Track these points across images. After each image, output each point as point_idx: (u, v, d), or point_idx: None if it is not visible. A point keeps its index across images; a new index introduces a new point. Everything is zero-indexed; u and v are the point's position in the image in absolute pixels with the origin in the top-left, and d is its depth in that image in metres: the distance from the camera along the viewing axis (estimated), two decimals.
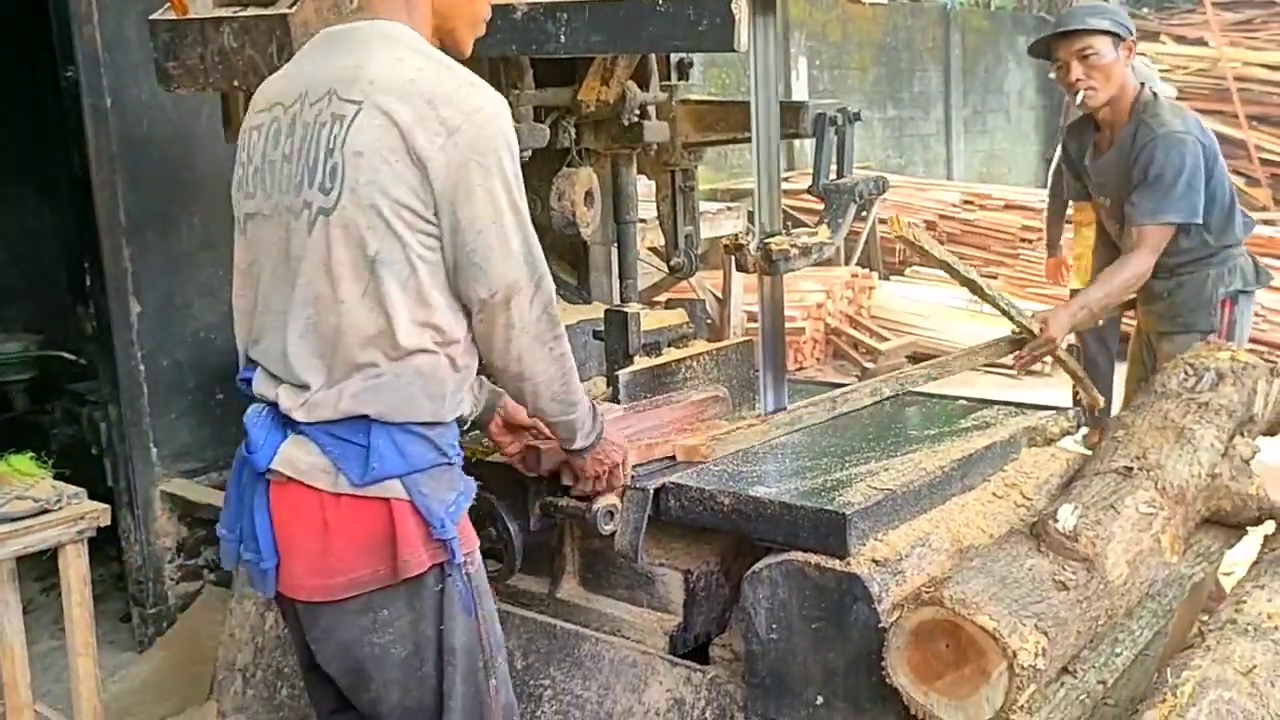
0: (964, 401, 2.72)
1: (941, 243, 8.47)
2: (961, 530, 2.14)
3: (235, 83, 2.43)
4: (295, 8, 2.38)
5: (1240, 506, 2.34)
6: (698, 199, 2.87)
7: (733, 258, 2.40)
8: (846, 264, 8.02)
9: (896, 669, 1.81)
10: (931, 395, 2.78)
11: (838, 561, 1.97)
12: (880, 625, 1.89)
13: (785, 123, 2.46)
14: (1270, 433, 2.66)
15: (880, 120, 10.66)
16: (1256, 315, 7.06)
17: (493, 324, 1.68)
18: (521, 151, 2.53)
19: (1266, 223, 9.73)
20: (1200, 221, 3.05)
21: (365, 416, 1.65)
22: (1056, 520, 1.98)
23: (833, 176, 2.49)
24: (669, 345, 2.50)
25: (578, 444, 1.93)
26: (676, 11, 2.12)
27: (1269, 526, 2.41)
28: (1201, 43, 11.37)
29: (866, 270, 7.78)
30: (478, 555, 1.80)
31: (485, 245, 1.63)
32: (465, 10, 1.81)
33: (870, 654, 1.90)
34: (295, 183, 1.66)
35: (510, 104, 2.48)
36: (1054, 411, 2.56)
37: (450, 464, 1.73)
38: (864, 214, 8.46)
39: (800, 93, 9.61)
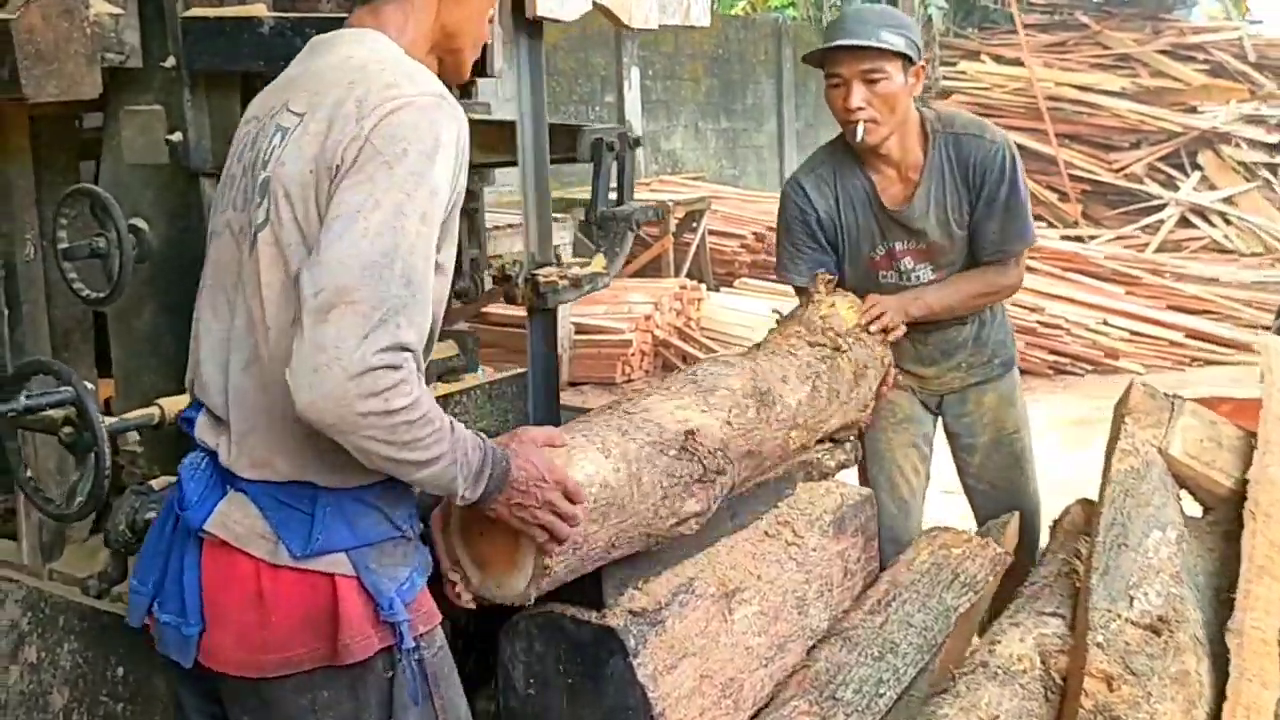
0: None
1: (756, 254, 8.62)
2: (728, 573, 2.09)
3: None
4: (19, 13, 2.19)
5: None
6: (482, 220, 2.76)
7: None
8: (676, 276, 8.05)
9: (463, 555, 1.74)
10: None
11: (594, 613, 1.89)
12: (638, 680, 1.82)
13: (563, 147, 2.37)
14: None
15: (714, 131, 10.78)
16: (1058, 328, 7.43)
17: (299, 339, 1.35)
18: None
19: (1075, 238, 10.22)
20: None
21: (311, 484, 1.48)
22: None
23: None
24: (438, 379, 2.39)
25: (468, 494, 1.50)
26: None
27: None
28: (1018, 63, 11.86)
29: (696, 282, 7.80)
30: (438, 635, 1.59)
31: (332, 233, 1.35)
32: (473, 30, 1.65)
33: (626, 709, 1.82)
34: (244, 200, 1.53)
35: None
36: (830, 444, 2.54)
37: (405, 538, 1.55)
38: (694, 225, 8.49)
39: (633, 103, 9.61)
